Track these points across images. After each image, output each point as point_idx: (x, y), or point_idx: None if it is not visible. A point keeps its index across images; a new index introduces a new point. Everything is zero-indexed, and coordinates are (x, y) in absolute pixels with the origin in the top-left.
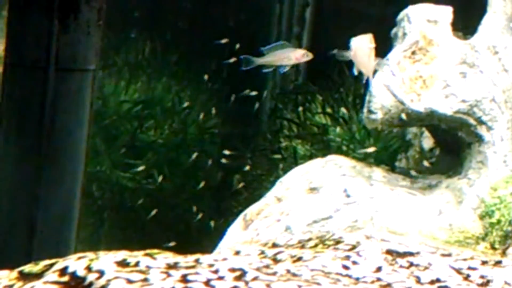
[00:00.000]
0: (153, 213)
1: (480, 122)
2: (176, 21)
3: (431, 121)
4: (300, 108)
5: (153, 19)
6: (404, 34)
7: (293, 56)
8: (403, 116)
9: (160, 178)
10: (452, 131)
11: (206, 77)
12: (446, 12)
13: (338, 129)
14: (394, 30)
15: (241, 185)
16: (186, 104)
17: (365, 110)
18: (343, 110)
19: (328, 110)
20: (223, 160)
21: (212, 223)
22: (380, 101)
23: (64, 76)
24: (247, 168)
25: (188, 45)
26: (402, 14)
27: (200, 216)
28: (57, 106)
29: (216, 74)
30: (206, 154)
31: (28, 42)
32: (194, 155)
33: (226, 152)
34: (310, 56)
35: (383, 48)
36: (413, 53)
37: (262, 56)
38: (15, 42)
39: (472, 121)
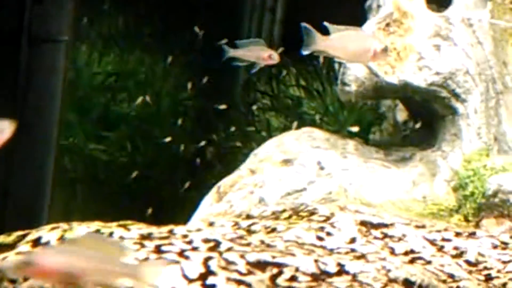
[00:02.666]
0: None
1: (454, 94)
2: None
3: (405, 93)
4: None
5: None
6: (379, 6)
7: (261, 56)
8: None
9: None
10: (426, 104)
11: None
12: None
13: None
14: (368, 2)
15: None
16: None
17: (339, 82)
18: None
19: (302, 82)
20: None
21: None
22: (354, 73)
23: (37, 46)
24: (221, 140)
25: (161, 18)
26: None
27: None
28: (30, 77)
29: (189, 46)
30: (180, 126)
31: (1, 14)
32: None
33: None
34: (276, 58)
35: (358, 21)
36: (388, 25)
37: (236, 49)
38: None
39: (446, 93)
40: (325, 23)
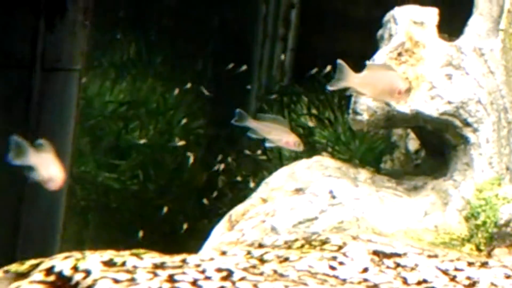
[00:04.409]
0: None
1: (466, 123)
2: (161, 22)
3: (416, 122)
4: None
5: (138, 19)
6: (390, 35)
7: (285, 139)
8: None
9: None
10: (438, 133)
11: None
12: (432, 14)
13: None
14: (380, 32)
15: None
16: None
17: (350, 111)
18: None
19: (314, 111)
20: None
21: (185, 225)
22: (366, 103)
23: (49, 75)
24: (233, 169)
25: (173, 45)
26: (388, 16)
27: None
28: (42, 105)
29: (201, 75)
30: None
31: (14, 41)
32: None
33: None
34: (301, 147)
35: (369, 50)
36: (399, 54)
37: (256, 120)
38: (1, 41)
39: (457, 122)
40: (367, 62)
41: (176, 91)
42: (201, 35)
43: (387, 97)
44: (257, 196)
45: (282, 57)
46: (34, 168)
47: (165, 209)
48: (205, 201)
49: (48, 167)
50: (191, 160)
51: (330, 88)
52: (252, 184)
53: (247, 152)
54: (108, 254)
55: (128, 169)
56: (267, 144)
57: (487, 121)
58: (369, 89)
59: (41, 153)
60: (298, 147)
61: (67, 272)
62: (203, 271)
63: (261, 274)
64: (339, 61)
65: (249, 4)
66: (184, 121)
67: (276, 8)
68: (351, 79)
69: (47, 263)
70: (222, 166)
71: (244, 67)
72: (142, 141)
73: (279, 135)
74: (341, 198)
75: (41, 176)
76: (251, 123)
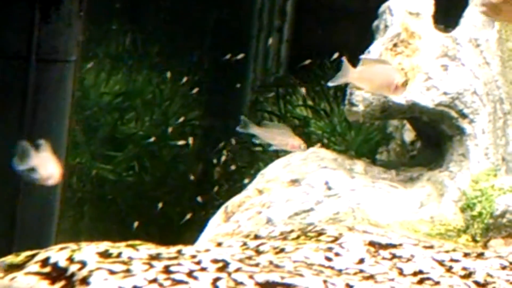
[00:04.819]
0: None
1: (462, 114)
2: (157, 13)
3: (412, 113)
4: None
5: (134, 10)
6: (386, 26)
7: (290, 142)
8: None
9: None
10: (434, 124)
11: None
12: (428, 5)
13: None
14: (375, 23)
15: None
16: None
17: (346, 102)
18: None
19: (309, 102)
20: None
21: (181, 217)
22: (362, 94)
23: (45, 66)
24: (228, 160)
25: (169, 37)
26: (384, 7)
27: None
28: (38, 97)
29: (197, 66)
30: (187, 146)
31: (10, 32)
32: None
33: None
34: (305, 149)
35: (364, 42)
36: (395, 45)
37: (259, 127)
38: None
39: (453, 113)
40: (361, 56)
41: (168, 74)
42: (196, 26)
43: (384, 91)
44: (253, 187)
45: (270, 40)
46: (34, 168)
47: (161, 201)
48: (199, 199)
49: (46, 166)
50: (189, 147)
51: (331, 84)
52: (247, 176)
53: (240, 144)
54: (104, 245)
55: (123, 161)
56: (272, 148)
57: (483, 112)
58: (367, 83)
59: (40, 153)
60: (304, 149)
61: (63, 263)
62: (198, 262)
63: (257, 265)
64: (343, 58)
65: None
66: (181, 119)
67: (272, 0)
68: (350, 75)
69: (42, 254)
70: (221, 158)
71: (241, 55)
72: (152, 139)
73: (284, 140)
74: (337, 189)
75: (40, 175)
76: (255, 130)
